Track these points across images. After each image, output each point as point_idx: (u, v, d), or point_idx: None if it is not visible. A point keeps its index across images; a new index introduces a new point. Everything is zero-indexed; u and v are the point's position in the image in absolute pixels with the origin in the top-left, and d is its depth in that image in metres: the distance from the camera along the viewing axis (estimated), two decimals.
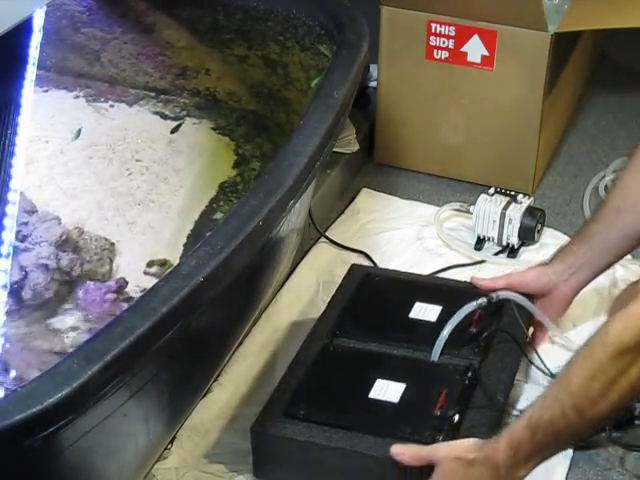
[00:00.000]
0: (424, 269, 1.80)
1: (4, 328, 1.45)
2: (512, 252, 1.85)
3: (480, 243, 1.87)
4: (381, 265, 1.82)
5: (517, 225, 1.82)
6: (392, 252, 1.87)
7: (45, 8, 1.64)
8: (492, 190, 1.88)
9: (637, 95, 2.32)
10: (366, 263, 1.84)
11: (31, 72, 1.63)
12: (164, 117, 1.98)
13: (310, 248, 1.86)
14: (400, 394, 1.36)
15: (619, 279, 1.74)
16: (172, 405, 1.29)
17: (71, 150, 1.87)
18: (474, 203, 1.87)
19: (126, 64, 2.02)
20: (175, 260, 1.64)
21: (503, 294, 1.46)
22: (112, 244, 1.68)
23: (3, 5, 1.38)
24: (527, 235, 1.84)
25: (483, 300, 1.44)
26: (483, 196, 1.86)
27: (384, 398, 1.35)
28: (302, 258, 1.83)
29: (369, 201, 2.01)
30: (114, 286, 1.58)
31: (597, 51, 2.40)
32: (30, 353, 1.45)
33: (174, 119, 1.97)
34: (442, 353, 1.43)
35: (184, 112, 1.99)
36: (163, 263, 1.66)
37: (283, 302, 1.74)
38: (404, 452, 1.27)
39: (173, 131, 1.93)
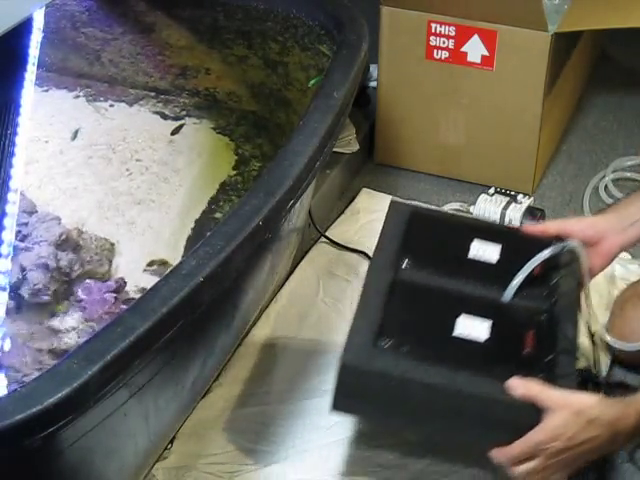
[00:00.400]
0: None
1: (4, 328, 1.45)
2: None
3: None
4: None
5: (517, 225, 1.82)
6: None
7: (45, 8, 1.64)
8: (492, 190, 1.88)
9: (637, 95, 2.32)
10: (366, 263, 1.84)
11: (31, 72, 1.63)
12: (164, 117, 1.98)
13: (310, 248, 1.86)
14: (486, 332, 1.29)
15: (618, 278, 1.74)
16: (172, 405, 1.29)
17: (71, 150, 1.87)
18: (474, 203, 1.87)
19: (126, 64, 2.02)
20: (175, 260, 1.64)
21: (572, 245, 1.39)
22: (112, 244, 1.68)
23: (3, 5, 1.38)
24: None
25: (558, 247, 1.37)
26: (483, 196, 1.86)
27: (470, 336, 1.28)
28: (302, 258, 1.83)
29: (369, 201, 2.01)
30: (114, 286, 1.58)
31: (597, 51, 2.40)
32: (30, 353, 1.45)
33: (174, 119, 1.97)
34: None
35: (184, 112, 1.99)
36: (163, 263, 1.66)
37: (283, 302, 1.74)
38: (520, 386, 1.19)
39: (174, 132, 1.93)
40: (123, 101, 2.01)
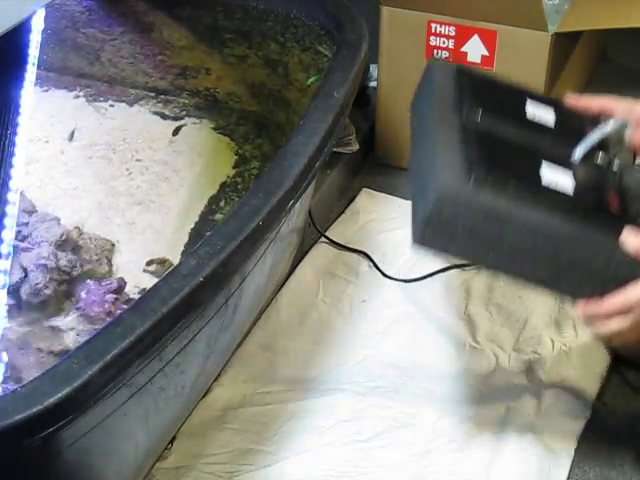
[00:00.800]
0: (425, 269, 1.80)
1: (4, 328, 1.45)
2: None
3: None
4: (381, 266, 1.82)
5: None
6: (392, 252, 1.87)
7: (45, 8, 1.64)
8: None
9: (637, 95, 2.31)
10: (366, 263, 1.84)
11: (31, 72, 1.63)
12: (164, 117, 1.98)
13: (310, 248, 1.86)
14: (571, 185, 1.22)
15: None
16: (172, 405, 1.29)
17: (71, 150, 1.87)
18: None
19: (126, 64, 2.02)
20: (175, 260, 1.64)
21: (628, 125, 1.35)
22: (112, 244, 1.68)
23: (3, 5, 1.38)
24: None
25: (620, 124, 1.33)
26: None
27: (558, 186, 1.22)
28: (302, 258, 1.83)
29: (369, 201, 2.01)
30: (114, 286, 1.58)
31: (597, 51, 2.40)
32: (30, 353, 1.45)
33: (174, 119, 1.97)
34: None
35: (184, 112, 1.99)
36: (163, 263, 1.66)
37: (283, 302, 1.74)
38: (635, 241, 1.15)
39: (174, 133, 1.93)
40: (123, 101, 2.01)
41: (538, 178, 1.22)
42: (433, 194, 1.17)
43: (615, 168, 1.31)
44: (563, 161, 1.28)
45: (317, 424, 1.51)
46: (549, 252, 1.18)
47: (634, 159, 1.39)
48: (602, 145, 1.33)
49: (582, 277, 1.19)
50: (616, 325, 1.17)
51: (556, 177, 1.23)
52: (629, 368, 1.60)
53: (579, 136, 1.31)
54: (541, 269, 1.20)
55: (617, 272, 1.17)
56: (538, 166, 1.24)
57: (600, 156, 1.31)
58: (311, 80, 1.77)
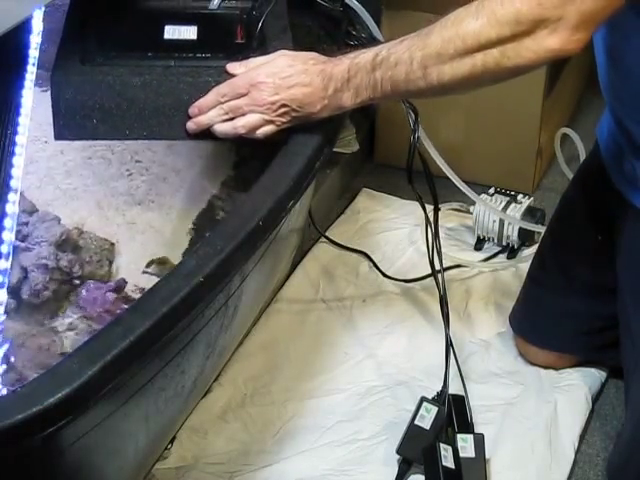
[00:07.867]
0: (424, 269, 1.80)
1: (4, 328, 1.45)
2: (512, 252, 1.85)
3: (480, 243, 1.88)
4: (381, 266, 1.82)
5: (517, 225, 1.82)
6: (392, 252, 1.87)
7: (45, 8, 1.64)
8: (492, 190, 1.88)
9: None
10: (366, 263, 1.84)
11: (31, 72, 1.63)
12: None
13: (310, 248, 1.86)
14: (196, 32, 1.34)
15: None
16: (172, 405, 1.29)
17: (71, 150, 1.87)
18: (474, 203, 1.87)
19: None
20: (175, 260, 1.64)
21: None
22: (112, 244, 1.68)
23: (3, 5, 1.38)
24: (527, 235, 1.84)
25: None
26: (483, 196, 1.86)
27: (180, 37, 1.34)
28: (302, 258, 1.83)
29: (369, 201, 2.01)
30: (114, 286, 1.58)
31: None
32: (30, 353, 1.45)
33: None
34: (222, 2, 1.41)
35: None
36: (163, 263, 1.66)
37: (283, 302, 1.74)
38: (238, 66, 1.26)
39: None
40: None
41: (160, 38, 1.33)
42: (49, 81, 1.30)
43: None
44: (203, 8, 1.39)
45: (317, 424, 1.52)
46: (159, 107, 1.28)
47: None
48: None
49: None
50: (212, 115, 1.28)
51: (178, 31, 1.34)
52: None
53: None
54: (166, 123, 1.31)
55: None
56: (162, 28, 1.35)
57: None
58: None
